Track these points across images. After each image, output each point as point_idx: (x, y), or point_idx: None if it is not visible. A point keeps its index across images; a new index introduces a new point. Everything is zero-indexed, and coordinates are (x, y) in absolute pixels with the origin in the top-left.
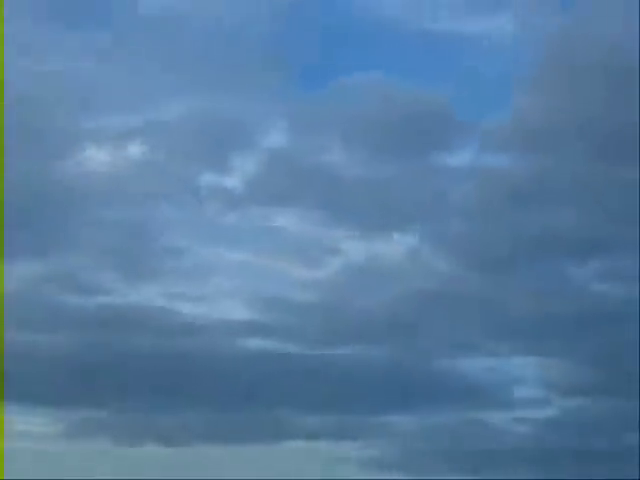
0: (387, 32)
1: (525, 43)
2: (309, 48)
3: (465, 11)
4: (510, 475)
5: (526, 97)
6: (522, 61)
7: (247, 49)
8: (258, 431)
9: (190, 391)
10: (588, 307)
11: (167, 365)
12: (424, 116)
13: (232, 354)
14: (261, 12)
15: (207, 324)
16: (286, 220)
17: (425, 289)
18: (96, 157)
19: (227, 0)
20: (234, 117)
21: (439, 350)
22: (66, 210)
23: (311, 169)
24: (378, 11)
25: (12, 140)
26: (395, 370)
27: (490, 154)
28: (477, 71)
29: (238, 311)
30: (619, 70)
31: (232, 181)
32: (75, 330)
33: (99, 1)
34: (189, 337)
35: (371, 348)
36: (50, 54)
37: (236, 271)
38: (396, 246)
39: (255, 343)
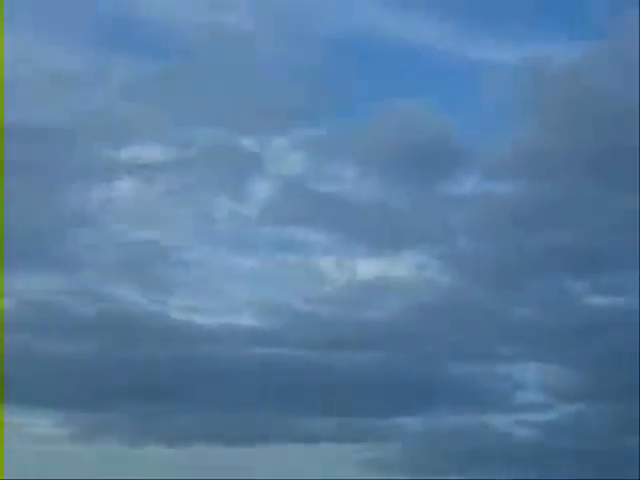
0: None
1: (526, 72)
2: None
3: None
4: (511, 475)
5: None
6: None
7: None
8: (262, 433)
9: (194, 395)
10: (585, 318)
11: (174, 371)
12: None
13: (238, 360)
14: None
15: (215, 331)
16: (299, 237)
17: (432, 301)
18: (123, 186)
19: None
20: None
21: (444, 357)
22: (95, 230)
23: (325, 194)
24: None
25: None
26: (400, 375)
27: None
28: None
29: (247, 320)
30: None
31: (248, 207)
32: (88, 338)
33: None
34: (196, 344)
35: (377, 355)
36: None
37: (246, 282)
38: (404, 263)
39: (261, 350)
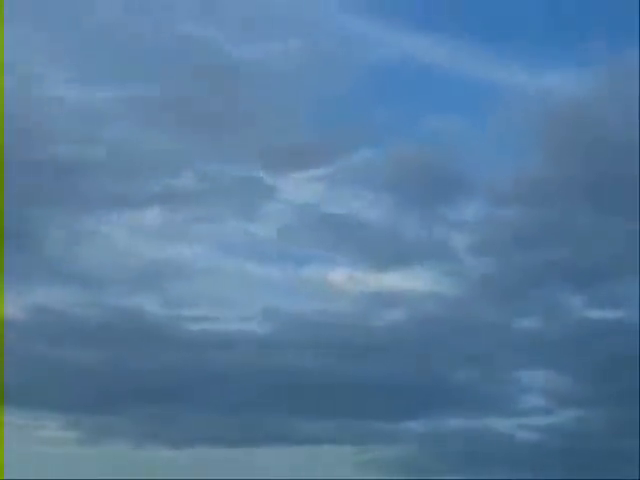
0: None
1: (532, 99)
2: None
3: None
4: (512, 475)
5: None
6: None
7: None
8: (263, 435)
9: (198, 399)
10: (583, 328)
11: (179, 376)
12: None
13: (245, 365)
14: None
15: (224, 338)
16: (312, 253)
17: (437, 312)
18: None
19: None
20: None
21: (447, 363)
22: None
23: (337, 216)
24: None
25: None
26: (403, 380)
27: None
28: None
29: (257, 327)
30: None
31: (264, 227)
32: (100, 346)
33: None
34: (204, 350)
35: (383, 361)
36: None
37: (259, 292)
38: (411, 277)
39: (270, 355)
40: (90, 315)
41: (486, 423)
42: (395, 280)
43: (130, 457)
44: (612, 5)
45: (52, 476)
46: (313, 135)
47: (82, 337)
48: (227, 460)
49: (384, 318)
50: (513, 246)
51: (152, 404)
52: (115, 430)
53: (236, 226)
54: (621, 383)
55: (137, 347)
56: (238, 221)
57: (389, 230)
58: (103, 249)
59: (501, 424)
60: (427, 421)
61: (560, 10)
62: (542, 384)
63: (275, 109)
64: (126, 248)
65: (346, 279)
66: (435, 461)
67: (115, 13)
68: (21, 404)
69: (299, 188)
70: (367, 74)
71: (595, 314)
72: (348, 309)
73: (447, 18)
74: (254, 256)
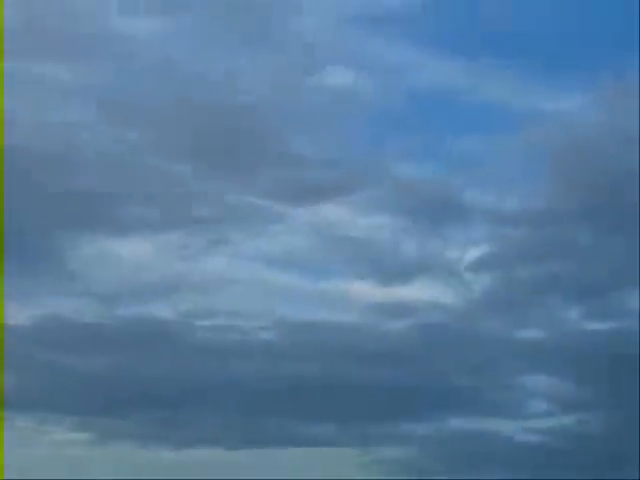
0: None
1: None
2: None
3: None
4: (514, 476)
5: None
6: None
7: None
8: (268, 437)
9: (203, 403)
10: (583, 339)
11: (185, 380)
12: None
13: (253, 372)
14: None
15: (233, 346)
16: (324, 268)
17: (441, 322)
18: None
19: None
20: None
21: (451, 369)
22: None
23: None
24: None
25: None
26: (407, 384)
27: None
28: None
29: (267, 335)
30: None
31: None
32: (111, 353)
33: None
34: (214, 357)
35: (389, 366)
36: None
37: (270, 301)
38: (418, 290)
39: (278, 362)
40: (103, 323)
41: (489, 426)
42: (402, 292)
43: (136, 458)
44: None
45: (67, 475)
46: (326, 171)
47: (95, 344)
48: (231, 462)
49: (391, 327)
50: (515, 262)
51: (159, 408)
52: (122, 432)
53: (252, 245)
54: (620, 388)
55: (148, 353)
56: (253, 241)
57: (398, 247)
58: (122, 266)
59: (504, 427)
60: (430, 423)
61: (581, 35)
62: (544, 389)
63: (290, 144)
64: (144, 265)
65: (356, 291)
66: (438, 462)
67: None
68: (34, 408)
69: (312, 215)
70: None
71: (594, 325)
72: (357, 318)
73: (468, 43)
74: (269, 269)
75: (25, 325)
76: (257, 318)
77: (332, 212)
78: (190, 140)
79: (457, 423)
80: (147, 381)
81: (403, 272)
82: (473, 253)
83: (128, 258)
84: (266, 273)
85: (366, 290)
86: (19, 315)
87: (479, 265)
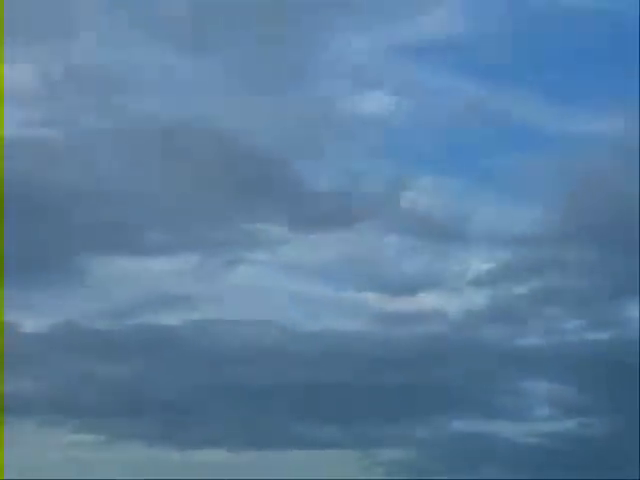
0: None
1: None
2: None
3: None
4: (516, 476)
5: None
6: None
7: None
8: (273, 439)
9: (210, 406)
10: (584, 348)
11: (188, 383)
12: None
13: (260, 378)
14: None
15: (241, 353)
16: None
17: (444, 332)
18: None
19: None
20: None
21: (454, 375)
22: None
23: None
24: None
25: None
26: (410, 388)
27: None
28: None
29: (264, 340)
30: None
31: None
32: (115, 357)
33: None
34: (223, 363)
35: (393, 372)
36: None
37: (270, 308)
38: (420, 303)
39: (286, 369)
40: (114, 330)
41: (491, 428)
42: (408, 304)
43: (144, 458)
44: None
45: (82, 475)
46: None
47: (106, 351)
48: (235, 463)
49: (397, 335)
50: (517, 277)
51: (168, 411)
52: (131, 434)
53: (268, 264)
54: (619, 394)
55: (156, 359)
56: (269, 263)
57: (405, 263)
58: (138, 282)
59: (506, 429)
60: (434, 426)
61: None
62: (546, 394)
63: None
64: (159, 281)
65: (364, 302)
66: (440, 463)
67: None
68: (49, 411)
69: (325, 239)
70: None
71: (594, 335)
72: (364, 327)
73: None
74: (281, 281)
75: (42, 332)
76: (264, 325)
77: (342, 236)
78: (218, 174)
79: (459, 426)
80: (155, 385)
81: (409, 285)
82: (476, 269)
83: (145, 275)
84: (277, 284)
85: (375, 300)
86: (38, 323)
87: (482, 279)
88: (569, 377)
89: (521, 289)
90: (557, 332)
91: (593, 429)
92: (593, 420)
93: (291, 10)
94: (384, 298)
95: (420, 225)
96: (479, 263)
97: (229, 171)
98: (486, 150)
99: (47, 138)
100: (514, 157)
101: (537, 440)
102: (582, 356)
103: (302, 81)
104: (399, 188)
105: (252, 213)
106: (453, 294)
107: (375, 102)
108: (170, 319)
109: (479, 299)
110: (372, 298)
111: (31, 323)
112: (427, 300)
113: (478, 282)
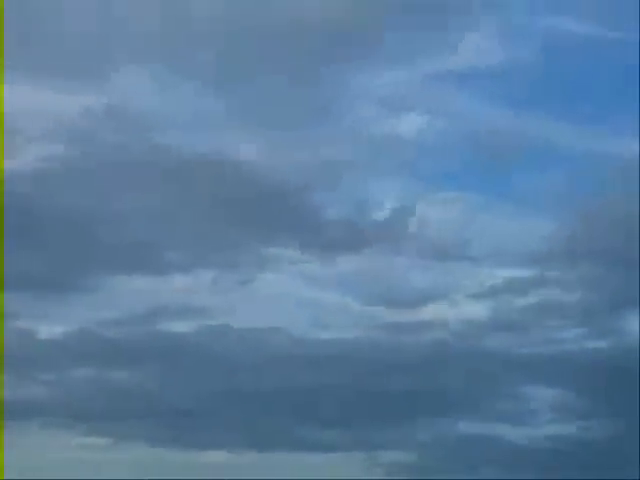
0: None
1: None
2: None
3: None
4: (517, 476)
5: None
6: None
7: None
8: (277, 442)
9: (216, 410)
10: (584, 356)
11: (195, 388)
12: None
13: (263, 383)
14: None
15: (247, 359)
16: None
17: (446, 340)
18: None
19: None
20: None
21: (456, 380)
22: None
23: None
24: None
25: None
26: (412, 392)
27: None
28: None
29: (271, 348)
30: None
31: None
32: (127, 363)
33: None
34: (229, 369)
35: (396, 377)
36: None
37: (280, 318)
38: (425, 314)
39: (292, 374)
40: (123, 338)
41: (493, 432)
42: (414, 315)
43: (148, 459)
44: None
45: (91, 475)
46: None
47: (115, 357)
48: (238, 464)
49: (402, 343)
50: (518, 291)
51: (174, 415)
52: (137, 436)
53: (281, 282)
54: (618, 398)
55: (169, 367)
56: (282, 278)
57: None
58: (156, 295)
59: (508, 433)
60: (436, 428)
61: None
62: (546, 399)
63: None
64: (173, 295)
65: (371, 313)
66: (443, 466)
67: None
68: (61, 414)
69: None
70: None
71: (594, 343)
72: (367, 336)
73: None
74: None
75: (57, 339)
76: (273, 333)
77: (352, 258)
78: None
79: (461, 429)
80: (163, 390)
81: (416, 299)
82: (479, 283)
83: (160, 290)
84: (289, 295)
85: (382, 312)
86: (53, 330)
87: (484, 292)
88: (569, 382)
89: (523, 301)
90: (558, 341)
91: (592, 432)
92: (592, 423)
93: (320, 48)
94: (391, 311)
95: (427, 248)
96: (483, 278)
97: (247, 201)
98: (505, 167)
99: (76, 166)
100: (532, 175)
101: (538, 443)
102: (582, 363)
103: (325, 117)
104: (407, 214)
105: (267, 238)
106: (457, 306)
107: (405, 124)
108: (180, 326)
109: (482, 310)
110: (380, 310)
111: (45, 330)
112: (432, 311)
113: (481, 295)
